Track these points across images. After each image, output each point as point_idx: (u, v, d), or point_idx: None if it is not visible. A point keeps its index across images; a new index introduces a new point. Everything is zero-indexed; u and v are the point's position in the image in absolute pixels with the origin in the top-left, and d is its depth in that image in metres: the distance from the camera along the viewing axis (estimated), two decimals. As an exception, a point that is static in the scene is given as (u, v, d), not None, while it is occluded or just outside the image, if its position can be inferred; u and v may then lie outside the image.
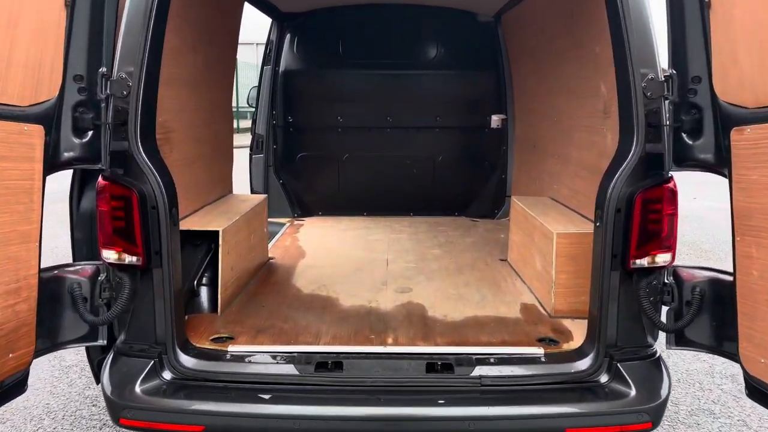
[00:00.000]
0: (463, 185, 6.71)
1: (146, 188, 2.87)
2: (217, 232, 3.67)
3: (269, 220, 6.67)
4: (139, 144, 2.86)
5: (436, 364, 3.02)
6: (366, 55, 6.45)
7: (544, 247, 3.82)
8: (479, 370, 2.98)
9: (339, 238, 5.75)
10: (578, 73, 4.05)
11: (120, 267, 2.96)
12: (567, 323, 3.55)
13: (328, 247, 5.43)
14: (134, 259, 2.94)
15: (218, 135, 4.53)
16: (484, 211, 6.74)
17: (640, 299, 2.94)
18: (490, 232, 6.02)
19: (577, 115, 4.13)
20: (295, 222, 6.52)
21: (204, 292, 3.72)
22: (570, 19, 4.04)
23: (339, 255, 5.14)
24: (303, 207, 6.78)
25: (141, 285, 2.99)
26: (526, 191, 5.83)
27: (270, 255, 5.05)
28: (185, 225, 3.68)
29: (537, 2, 4.82)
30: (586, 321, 3.40)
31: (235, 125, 24.09)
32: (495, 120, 6.50)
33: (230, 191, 4.88)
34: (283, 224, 6.47)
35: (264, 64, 6.50)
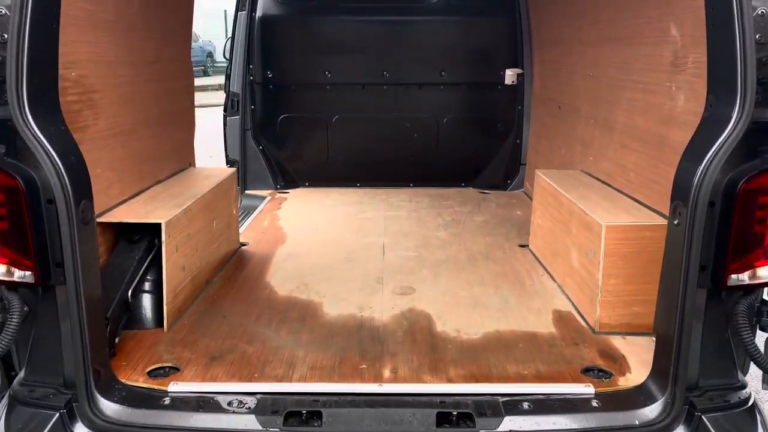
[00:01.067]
0: (471, 151, 5.81)
1: (39, 174, 2.00)
2: (160, 225, 2.79)
3: (247, 192, 5.85)
4: (26, 110, 1.97)
5: (450, 415, 2.19)
6: None
7: (586, 241, 2.96)
8: (509, 423, 2.16)
9: (327, 217, 4.88)
10: (633, 12, 3.10)
11: (8, 285, 2.11)
12: (617, 342, 2.72)
13: (314, 228, 4.57)
14: (26, 274, 2.08)
15: (171, 94, 3.60)
16: (496, 182, 5.86)
17: (737, 326, 2.12)
18: (504, 208, 5.15)
19: (628, 68, 3.21)
20: (277, 195, 5.64)
21: (145, 302, 2.87)
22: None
23: (325, 240, 4.29)
24: (286, 177, 5.88)
25: (41, 306, 2.15)
26: (547, 161, 4.94)
27: (242, 240, 4.19)
28: (116, 215, 2.81)
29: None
30: (640, 339, 2.60)
31: (212, 81, 23.18)
32: (509, 75, 5.56)
33: (191, 164, 3.98)
34: (263, 198, 5.59)
35: (238, 9, 5.50)
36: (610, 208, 2.98)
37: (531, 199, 5.33)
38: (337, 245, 4.14)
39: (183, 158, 3.83)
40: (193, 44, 28.59)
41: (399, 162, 5.85)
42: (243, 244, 4.14)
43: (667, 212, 2.15)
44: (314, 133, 5.78)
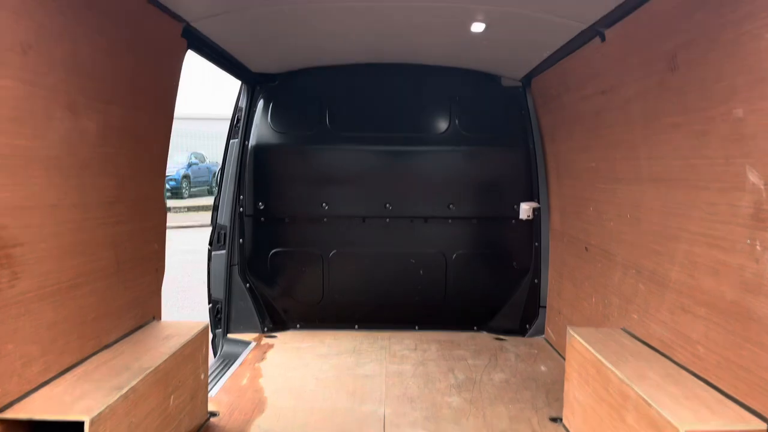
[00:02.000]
0: (484, 291, 5.18)
1: None
2: (82, 423, 2.09)
3: (229, 336, 5.16)
4: None
5: None
6: (359, 127, 5.08)
7: (652, 441, 2.24)
8: None
9: (318, 373, 4.15)
10: (685, 151, 2.59)
11: None
12: None
13: (301, 390, 3.83)
14: None
15: (134, 238, 3.03)
16: (512, 326, 5.18)
17: None
18: (525, 361, 4.43)
19: (681, 214, 2.65)
20: (264, 340, 4.94)
21: None
22: (670, 72, 2.63)
23: (313, 408, 3.54)
24: (275, 318, 5.22)
25: None
26: (573, 308, 4.29)
27: (212, 409, 3.45)
28: (27, 408, 2.12)
29: (594, 55, 3.45)
30: None
31: (183, 204, 22.79)
32: (525, 209, 5.05)
33: (155, 317, 3.34)
34: (246, 344, 4.90)
35: (230, 137, 5.11)
36: (681, 398, 2.28)
37: (555, 349, 4.67)
38: (327, 418, 3.39)
39: (144, 312, 3.19)
40: (200, 164, 29.11)
41: (403, 302, 5.22)
42: (212, 414, 3.40)
43: (766, 412, 1.48)
44: (308, 270, 5.19)
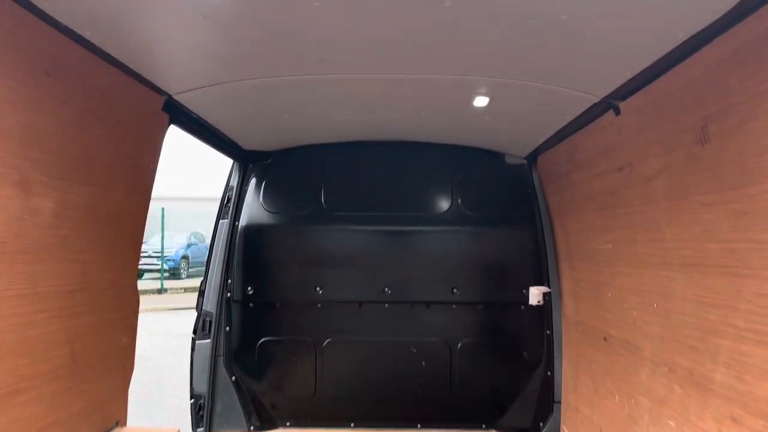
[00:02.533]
0: (492, 385, 4.73)
1: None
2: None
3: (213, 435, 4.67)
4: None
5: None
6: (356, 207, 4.80)
7: None
8: None
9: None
10: (726, 233, 2.27)
11: None
12: None
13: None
14: None
15: (97, 331, 2.67)
16: (524, 424, 4.69)
17: None
18: (541, 468, 3.93)
19: (724, 306, 2.29)
20: (250, 441, 4.46)
21: None
22: (698, 145, 2.36)
23: None
24: (263, 415, 4.74)
25: None
26: (592, 406, 3.84)
27: None
28: None
29: (607, 129, 3.20)
30: None
31: (180, 285, 22.02)
32: (534, 294, 4.68)
33: (119, 423, 2.92)
34: (231, 444, 4.41)
35: (219, 217, 4.83)
36: None
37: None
38: None
39: (105, 417, 2.78)
40: (200, 245, 28.79)
41: (403, 396, 4.75)
42: None
43: None
44: (300, 360, 4.77)
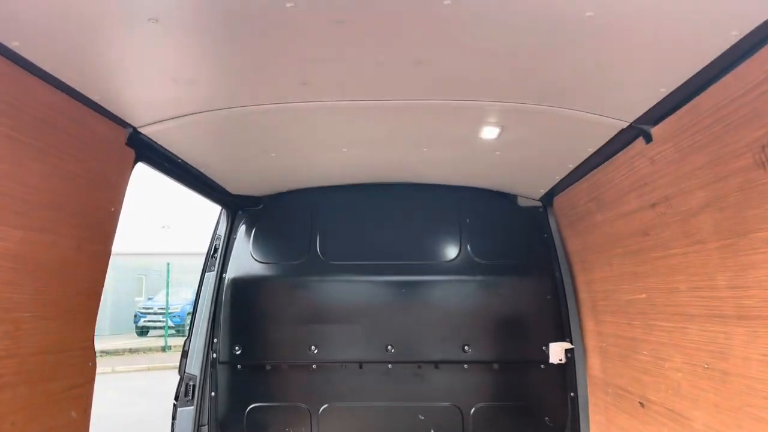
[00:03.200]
0: None
1: None
2: None
3: None
4: None
5: None
6: (354, 255, 4.37)
7: None
8: None
9: None
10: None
11: None
12: None
13: None
14: None
15: (35, 405, 2.21)
16: (548, 501, 4.10)
17: None
18: None
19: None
20: None
21: None
22: (760, 169, 1.93)
23: None
24: (252, 495, 4.19)
25: None
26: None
27: None
28: None
29: (636, 160, 2.78)
30: None
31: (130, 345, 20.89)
32: (555, 351, 4.17)
33: None
34: None
35: (205, 269, 4.41)
36: None
37: None
38: None
39: None
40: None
41: (410, 471, 4.19)
42: None
43: None
44: (294, 430, 4.24)
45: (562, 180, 3.78)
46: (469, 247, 4.34)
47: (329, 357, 4.25)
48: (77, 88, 2.22)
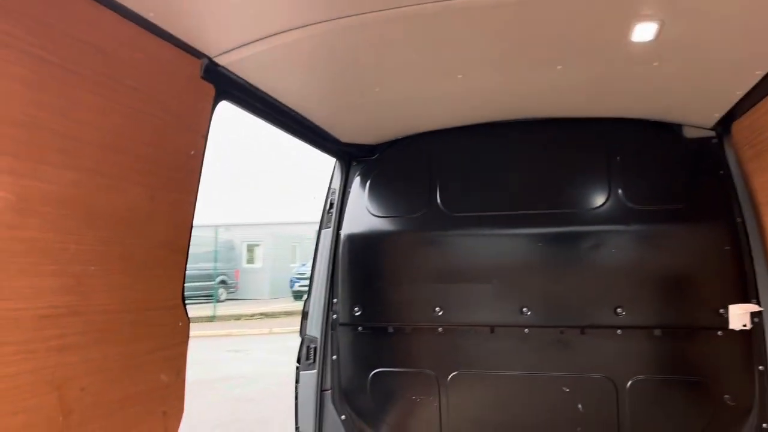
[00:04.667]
0: None
1: None
2: None
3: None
4: None
5: None
6: (481, 206, 3.83)
7: None
8: None
9: None
10: None
11: None
12: None
13: None
14: None
15: (115, 371, 2.01)
16: (730, 496, 3.35)
17: None
18: None
19: None
20: (361, 497, 3.63)
21: None
22: None
23: None
24: (379, 464, 3.90)
25: None
26: None
27: None
28: None
29: None
30: None
31: (209, 312, 22.05)
32: (737, 314, 3.35)
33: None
34: (339, 500, 3.62)
35: (322, 226, 4.13)
36: None
37: None
38: None
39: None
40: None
41: (555, 448, 3.65)
42: None
43: None
44: (421, 398, 3.86)
45: (745, 96, 2.93)
46: (620, 191, 3.61)
47: (456, 320, 3.79)
48: (134, 9, 1.92)
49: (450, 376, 3.79)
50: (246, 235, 32.67)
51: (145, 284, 2.15)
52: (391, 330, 3.92)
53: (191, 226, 2.40)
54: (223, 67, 2.41)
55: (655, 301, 3.53)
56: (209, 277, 26.28)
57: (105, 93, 1.89)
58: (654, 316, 3.52)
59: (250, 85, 2.65)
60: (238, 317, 23.07)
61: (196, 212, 2.43)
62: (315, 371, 3.95)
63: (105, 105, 1.90)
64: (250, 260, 33.05)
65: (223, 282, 29.01)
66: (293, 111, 3.15)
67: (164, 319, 2.27)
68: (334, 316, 3.98)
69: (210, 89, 2.39)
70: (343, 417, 3.91)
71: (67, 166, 1.77)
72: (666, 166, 3.57)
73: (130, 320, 2.08)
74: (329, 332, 3.98)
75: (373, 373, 3.91)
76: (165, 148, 2.19)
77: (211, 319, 22.37)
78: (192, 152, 2.33)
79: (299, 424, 3.97)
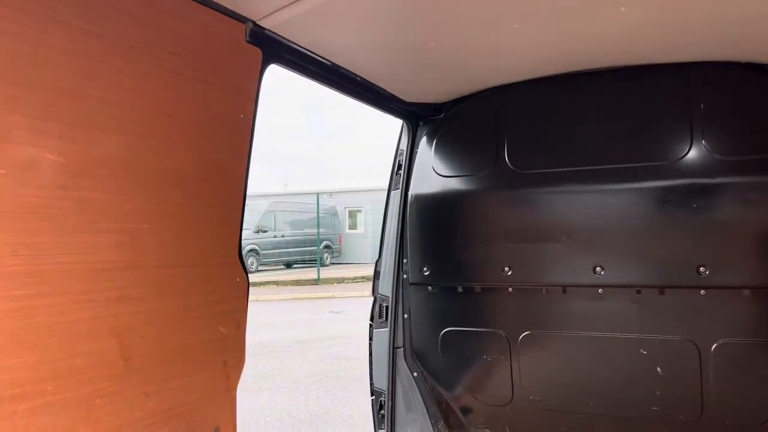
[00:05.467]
0: None
1: None
2: None
3: (393, 439, 4.04)
4: None
5: None
6: (550, 161, 3.68)
7: None
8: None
9: None
10: None
11: None
12: None
13: None
14: None
15: (174, 323, 2.18)
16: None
17: None
18: None
19: None
20: (432, 451, 3.71)
21: None
22: None
23: None
24: (452, 421, 3.95)
25: None
26: None
27: None
28: None
29: None
30: None
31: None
32: (840, 274, 3.03)
33: (219, 428, 2.40)
34: (411, 452, 3.73)
35: (390, 187, 4.16)
36: None
37: None
38: None
39: (196, 423, 2.27)
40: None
41: (631, 413, 3.52)
42: None
43: None
44: (492, 358, 3.85)
45: None
46: (704, 141, 3.33)
47: (526, 279, 3.71)
48: None
49: (521, 337, 3.74)
50: (348, 201, 33.47)
51: (198, 241, 2.28)
52: (460, 290, 3.91)
53: (245, 187, 2.51)
54: (268, 30, 2.46)
55: (744, 259, 3.26)
56: (314, 243, 27.28)
57: (147, 60, 2.00)
58: (742, 276, 3.26)
59: (300, 46, 2.68)
60: (341, 280, 23.87)
61: (250, 173, 2.53)
62: (387, 329, 4.04)
63: (148, 71, 2.01)
64: (352, 226, 33.87)
65: (327, 247, 30.04)
66: (350, 72, 3.16)
67: (220, 275, 2.40)
68: (405, 275, 4.03)
69: (257, 53, 2.46)
70: (414, 374, 3.99)
71: (114, 130, 1.90)
72: (757, 111, 3.24)
73: (184, 275, 2.22)
74: (400, 291, 4.04)
75: (443, 332, 3.94)
76: (213, 111, 2.29)
77: (316, 282, 23.31)
78: (241, 116, 2.42)
79: (374, 381, 4.09)
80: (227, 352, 2.45)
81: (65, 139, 1.77)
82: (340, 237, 31.96)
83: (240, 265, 2.52)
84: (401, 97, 3.73)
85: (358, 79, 3.26)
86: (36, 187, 1.71)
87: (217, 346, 2.40)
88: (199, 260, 2.29)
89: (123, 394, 1.97)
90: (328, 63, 2.94)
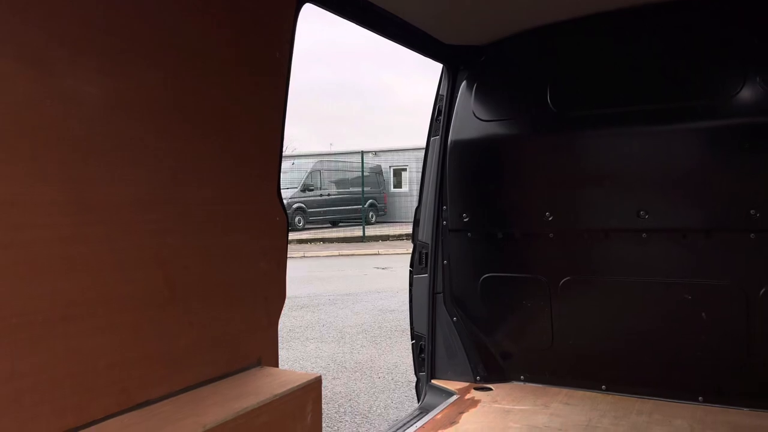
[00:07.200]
0: None
1: None
2: None
3: (433, 382, 4.12)
4: None
5: None
6: (594, 104, 3.58)
7: None
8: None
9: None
10: None
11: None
12: None
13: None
14: None
15: (214, 257, 2.26)
16: None
17: None
18: None
19: None
20: (471, 393, 3.78)
21: None
22: None
23: None
24: (491, 366, 4.00)
25: None
26: None
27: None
28: None
29: None
30: None
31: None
32: None
33: (261, 361, 2.51)
34: (449, 393, 3.81)
35: (430, 134, 4.13)
36: None
37: None
38: None
39: (238, 355, 2.38)
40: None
41: (675, 359, 3.49)
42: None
43: None
44: (531, 303, 3.85)
45: None
46: (758, 77, 3.17)
47: (567, 224, 3.67)
48: None
49: (561, 282, 3.72)
50: (392, 160, 33.42)
51: (237, 180, 2.34)
52: (500, 236, 3.90)
53: (282, 128, 2.54)
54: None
55: (796, 200, 3.13)
56: (359, 201, 27.48)
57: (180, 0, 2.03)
58: (794, 218, 3.13)
59: None
60: (385, 237, 24.05)
61: (287, 115, 2.57)
62: (427, 275, 4.08)
63: (181, 10, 2.04)
64: (397, 184, 33.89)
65: (372, 205, 30.22)
66: (387, 12, 3.13)
67: (260, 213, 2.47)
68: (444, 222, 4.04)
69: (290, -8, 2.46)
70: (454, 319, 4.03)
71: (151, 67, 1.95)
72: None
73: (224, 212, 2.29)
74: (440, 238, 4.05)
75: (483, 277, 3.95)
76: (248, 50, 2.32)
77: (362, 239, 23.56)
78: (277, 54, 2.43)
79: (414, 325, 4.16)
80: (268, 288, 2.53)
81: (102, 73, 1.83)
82: (385, 196, 32.07)
83: (279, 204, 2.58)
84: (440, 38, 3.67)
85: (396, 19, 3.22)
86: (79, 119, 1.78)
87: (257, 282, 2.48)
88: (239, 198, 2.35)
89: (168, 322, 2.07)
90: (364, 2, 2.92)
